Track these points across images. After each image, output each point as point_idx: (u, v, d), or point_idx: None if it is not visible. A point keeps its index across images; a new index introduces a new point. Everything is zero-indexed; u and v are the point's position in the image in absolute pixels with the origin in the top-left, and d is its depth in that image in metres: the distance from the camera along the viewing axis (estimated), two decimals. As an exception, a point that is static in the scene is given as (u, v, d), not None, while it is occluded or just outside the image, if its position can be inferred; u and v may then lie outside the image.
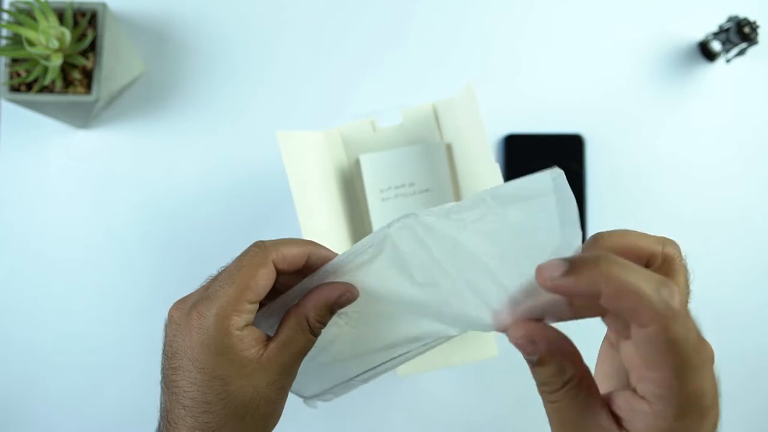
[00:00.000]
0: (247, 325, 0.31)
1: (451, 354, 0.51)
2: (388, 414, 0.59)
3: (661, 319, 0.21)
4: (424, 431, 0.59)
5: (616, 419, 0.24)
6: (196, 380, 0.30)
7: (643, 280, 0.22)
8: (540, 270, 0.23)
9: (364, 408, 0.59)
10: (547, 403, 0.25)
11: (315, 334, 0.32)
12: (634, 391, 0.24)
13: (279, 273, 0.32)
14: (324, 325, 0.32)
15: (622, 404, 0.24)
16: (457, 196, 0.52)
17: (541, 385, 0.25)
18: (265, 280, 0.31)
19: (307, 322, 0.32)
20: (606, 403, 0.25)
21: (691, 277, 0.26)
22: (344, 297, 0.32)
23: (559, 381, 0.24)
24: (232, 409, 0.30)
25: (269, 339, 0.32)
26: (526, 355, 0.24)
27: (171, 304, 0.36)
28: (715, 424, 0.23)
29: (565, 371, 0.24)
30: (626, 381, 0.25)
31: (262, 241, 0.32)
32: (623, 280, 0.21)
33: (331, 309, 0.32)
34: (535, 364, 0.24)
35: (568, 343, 0.24)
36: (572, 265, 0.22)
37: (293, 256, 0.32)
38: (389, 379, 0.59)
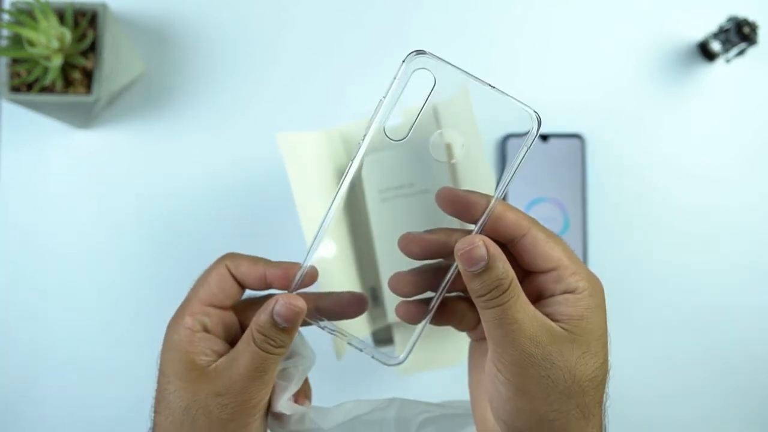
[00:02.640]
0: (204, 329, 0.32)
1: (453, 353, 0.51)
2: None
3: (528, 221, 0.29)
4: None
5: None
6: (157, 375, 0.32)
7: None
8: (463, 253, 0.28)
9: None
10: (495, 308, 0.27)
11: (262, 349, 0.30)
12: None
13: (245, 287, 0.33)
14: (271, 340, 0.30)
15: (546, 304, 0.29)
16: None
17: (491, 291, 0.27)
18: (216, 281, 0.33)
19: (252, 334, 0.31)
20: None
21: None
22: (283, 308, 0.30)
23: (507, 279, 0.27)
24: (170, 411, 0.30)
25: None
26: (475, 263, 0.27)
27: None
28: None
29: (509, 269, 0.28)
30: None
31: (227, 254, 0.34)
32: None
33: (272, 322, 0.30)
34: (482, 272, 0.27)
35: (499, 247, 0.28)
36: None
37: (248, 268, 0.33)
38: (389, 379, 0.59)
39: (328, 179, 0.51)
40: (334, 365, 0.59)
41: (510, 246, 0.30)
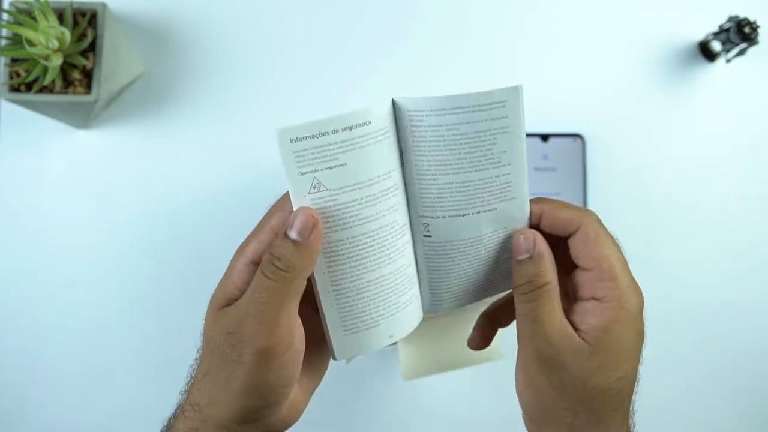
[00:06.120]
0: (256, 262, 0.29)
1: (456, 357, 0.51)
2: (391, 417, 0.59)
3: (582, 217, 0.30)
4: None
5: (573, 326, 0.29)
6: None
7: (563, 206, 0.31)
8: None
9: (367, 412, 0.59)
10: (525, 303, 0.29)
11: (266, 273, 0.28)
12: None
13: None
14: (277, 260, 0.27)
15: (577, 309, 0.30)
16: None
17: (526, 284, 0.29)
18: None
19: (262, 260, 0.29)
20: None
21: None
22: (296, 218, 0.27)
23: (542, 278, 0.29)
24: (202, 341, 0.30)
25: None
26: (521, 252, 0.29)
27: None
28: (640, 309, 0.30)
29: (548, 272, 0.29)
30: None
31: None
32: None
33: (284, 236, 0.28)
34: (524, 261, 0.29)
35: (551, 252, 0.30)
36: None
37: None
38: (392, 382, 0.59)
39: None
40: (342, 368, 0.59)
41: (564, 240, 0.31)
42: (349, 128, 0.27)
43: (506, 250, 0.32)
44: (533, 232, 0.30)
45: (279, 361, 0.27)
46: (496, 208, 0.30)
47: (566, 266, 0.31)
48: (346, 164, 0.27)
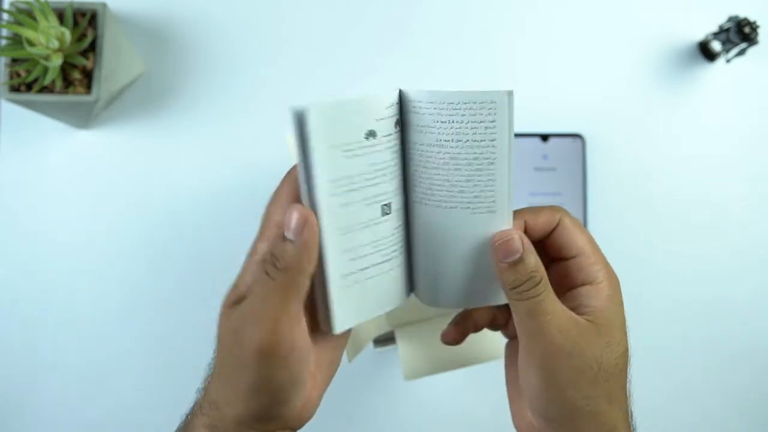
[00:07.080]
0: (263, 259, 0.30)
1: (457, 357, 0.51)
2: (392, 417, 0.59)
3: (555, 213, 0.31)
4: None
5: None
6: None
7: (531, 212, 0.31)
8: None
9: (367, 412, 0.59)
10: (528, 300, 0.29)
11: (263, 270, 0.28)
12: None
13: None
14: (275, 259, 0.28)
15: (572, 297, 0.30)
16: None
17: (525, 282, 0.29)
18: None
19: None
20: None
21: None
22: (291, 216, 0.28)
23: (539, 273, 0.29)
24: (216, 338, 0.30)
25: None
26: (510, 255, 0.29)
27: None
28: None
29: (540, 265, 0.29)
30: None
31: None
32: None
33: (280, 235, 0.28)
34: (516, 263, 0.29)
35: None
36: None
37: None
38: (392, 382, 0.59)
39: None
40: (342, 368, 0.59)
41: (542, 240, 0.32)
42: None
43: (488, 257, 0.31)
44: (515, 232, 0.30)
45: (282, 362, 0.27)
46: (477, 214, 0.30)
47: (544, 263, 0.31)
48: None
